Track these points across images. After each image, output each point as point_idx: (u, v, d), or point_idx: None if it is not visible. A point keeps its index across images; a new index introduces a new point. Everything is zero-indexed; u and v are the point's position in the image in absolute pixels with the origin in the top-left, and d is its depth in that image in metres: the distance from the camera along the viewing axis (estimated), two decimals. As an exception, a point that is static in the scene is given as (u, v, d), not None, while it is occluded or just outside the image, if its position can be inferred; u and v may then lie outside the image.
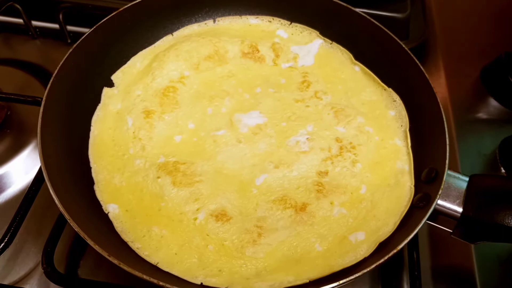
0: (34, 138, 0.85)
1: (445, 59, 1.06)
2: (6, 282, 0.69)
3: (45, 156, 0.60)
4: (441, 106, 0.68)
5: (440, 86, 1.01)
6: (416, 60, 0.75)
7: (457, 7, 1.21)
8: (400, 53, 0.78)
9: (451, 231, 0.61)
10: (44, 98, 0.67)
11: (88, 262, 0.71)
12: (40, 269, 0.69)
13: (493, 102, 1.00)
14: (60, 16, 0.99)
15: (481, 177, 0.61)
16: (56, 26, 1.02)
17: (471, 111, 0.99)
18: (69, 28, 1.03)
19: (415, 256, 0.68)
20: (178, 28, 0.86)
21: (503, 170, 0.87)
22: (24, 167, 0.82)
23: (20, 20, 1.03)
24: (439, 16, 1.15)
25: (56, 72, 0.69)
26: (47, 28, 1.05)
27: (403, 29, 1.02)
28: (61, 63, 0.70)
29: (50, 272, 0.61)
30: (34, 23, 1.05)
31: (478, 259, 0.75)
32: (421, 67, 0.75)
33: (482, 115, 0.99)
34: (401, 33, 1.00)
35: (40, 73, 0.97)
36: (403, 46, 0.78)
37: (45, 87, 0.90)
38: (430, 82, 0.72)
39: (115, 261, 0.49)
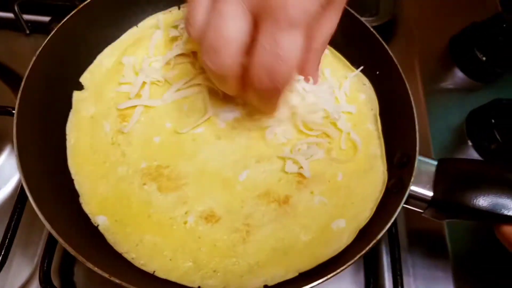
0: (8, 143, 0.83)
1: (415, 32, 1.09)
2: (1, 297, 0.71)
3: (26, 175, 0.60)
4: (409, 91, 0.71)
5: (411, 58, 1.04)
6: (383, 42, 0.77)
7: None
8: (366, 34, 0.79)
9: (422, 211, 0.66)
10: (16, 112, 0.64)
11: (81, 270, 0.73)
12: (34, 281, 0.71)
13: (460, 74, 1.04)
14: (16, 8, 0.93)
15: (448, 161, 0.66)
16: (11, 15, 0.97)
17: (439, 82, 1.03)
18: (26, 17, 0.98)
19: (393, 230, 0.74)
20: (143, 19, 0.83)
21: (470, 143, 0.93)
22: (1, 176, 0.80)
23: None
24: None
25: (23, 82, 0.66)
26: (2, 18, 0.99)
27: (373, 4, 1.03)
28: (26, 73, 0.67)
29: (50, 291, 0.63)
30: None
31: (449, 228, 0.83)
32: (388, 49, 0.76)
33: (450, 86, 1.03)
34: (371, 10, 1.02)
35: (2, 71, 0.92)
36: (369, 27, 0.78)
37: (9, 86, 0.89)
38: (398, 65, 0.74)
39: (117, 281, 0.51)
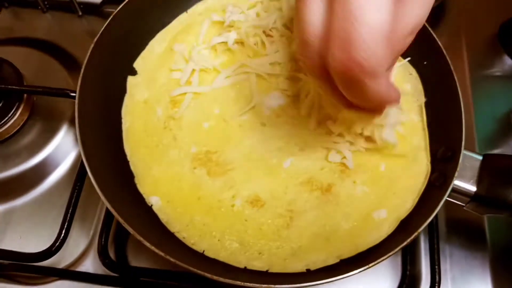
0: (64, 122, 0.89)
1: (464, 18, 1.06)
2: (61, 266, 0.77)
3: (87, 156, 0.64)
4: (457, 83, 0.71)
5: (459, 44, 1.02)
6: (433, 32, 0.76)
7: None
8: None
9: (464, 205, 0.67)
10: (77, 95, 0.69)
11: (132, 245, 0.78)
12: (90, 253, 0.78)
13: (509, 61, 1.01)
14: (69, -11, 0.97)
15: (493, 157, 0.66)
16: (65, -3, 1.01)
17: (487, 69, 1.01)
18: (78, -1, 1.02)
19: (434, 221, 0.75)
20: (192, 5, 0.86)
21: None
22: (60, 153, 0.86)
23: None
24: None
25: (83, 69, 0.70)
26: (55, 0, 1.04)
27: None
28: (86, 60, 0.70)
29: (107, 263, 0.69)
30: (41, -6, 1.03)
31: (489, 219, 0.84)
32: (437, 39, 0.75)
33: (498, 73, 1.00)
34: (419, -4, 1.00)
35: (57, 52, 0.97)
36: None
37: (65, 67, 0.94)
38: (447, 56, 0.74)
39: (171, 259, 0.56)
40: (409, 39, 0.46)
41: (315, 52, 0.44)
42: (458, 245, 0.83)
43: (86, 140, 0.66)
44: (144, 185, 0.70)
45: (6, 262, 0.75)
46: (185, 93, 0.76)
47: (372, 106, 0.51)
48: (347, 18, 0.39)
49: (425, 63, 0.78)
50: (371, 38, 0.39)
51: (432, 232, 0.75)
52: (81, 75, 0.70)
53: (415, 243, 0.82)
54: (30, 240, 0.81)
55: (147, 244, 0.57)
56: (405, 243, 0.59)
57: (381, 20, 0.39)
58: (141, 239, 0.57)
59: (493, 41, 1.04)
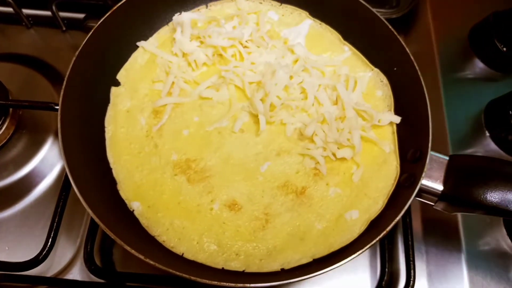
0: (49, 135, 0.91)
1: (435, 22, 1.10)
2: (49, 275, 0.79)
3: (70, 167, 0.66)
4: (425, 89, 0.74)
5: (430, 48, 1.06)
6: (401, 40, 0.79)
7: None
8: (385, 32, 0.81)
9: (433, 204, 0.70)
10: (59, 108, 0.71)
11: (119, 251, 0.81)
12: (78, 260, 0.80)
13: (480, 64, 1.05)
14: (53, 7, 1.00)
15: (459, 157, 0.69)
16: (49, 13, 1.03)
17: (458, 72, 1.04)
18: (62, 14, 1.04)
19: (408, 220, 0.79)
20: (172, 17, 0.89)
21: (487, 134, 0.95)
22: (45, 164, 0.89)
23: (11, 9, 1.03)
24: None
25: (65, 81, 0.72)
26: (40, 16, 1.06)
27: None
28: (68, 73, 0.73)
29: (94, 269, 0.72)
30: (26, 11, 1.05)
31: (463, 218, 0.87)
32: (405, 46, 0.78)
33: (469, 76, 1.04)
34: (391, 1, 1.05)
35: (42, 67, 0.99)
36: (388, 24, 0.81)
37: (49, 81, 0.97)
38: (414, 62, 0.77)
39: (151, 262, 0.58)
40: None
41: None
42: (433, 243, 0.86)
43: (69, 151, 0.68)
44: (126, 191, 0.72)
45: (-6, 273, 0.77)
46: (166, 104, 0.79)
47: None
48: None
49: (395, 69, 0.81)
50: None
51: (407, 230, 0.78)
52: (63, 87, 0.72)
53: (393, 243, 0.85)
54: (17, 250, 0.82)
55: (128, 248, 0.59)
56: (374, 241, 0.62)
57: None
58: (121, 243, 0.59)
59: (464, 44, 1.08)
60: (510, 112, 0.93)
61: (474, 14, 1.08)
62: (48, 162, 0.89)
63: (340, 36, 0.86)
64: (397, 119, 0.78)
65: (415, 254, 0.78)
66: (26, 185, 0.88)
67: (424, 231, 0.87)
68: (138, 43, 0.85)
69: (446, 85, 1.02)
